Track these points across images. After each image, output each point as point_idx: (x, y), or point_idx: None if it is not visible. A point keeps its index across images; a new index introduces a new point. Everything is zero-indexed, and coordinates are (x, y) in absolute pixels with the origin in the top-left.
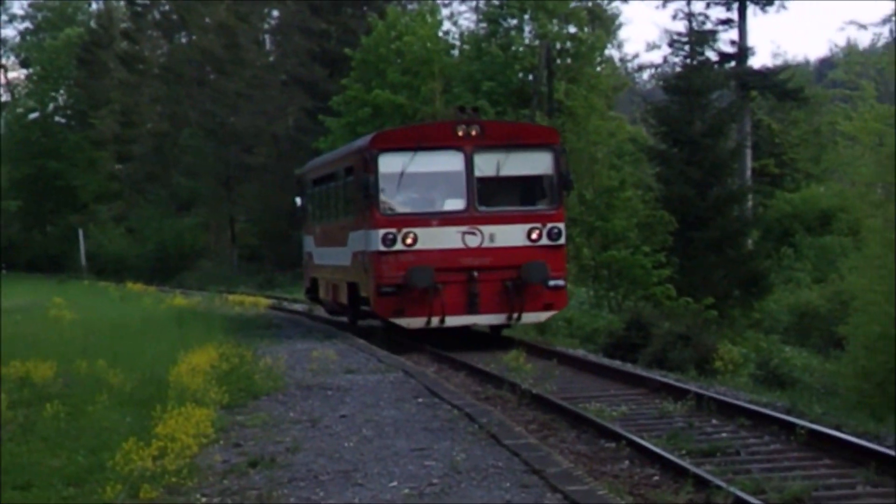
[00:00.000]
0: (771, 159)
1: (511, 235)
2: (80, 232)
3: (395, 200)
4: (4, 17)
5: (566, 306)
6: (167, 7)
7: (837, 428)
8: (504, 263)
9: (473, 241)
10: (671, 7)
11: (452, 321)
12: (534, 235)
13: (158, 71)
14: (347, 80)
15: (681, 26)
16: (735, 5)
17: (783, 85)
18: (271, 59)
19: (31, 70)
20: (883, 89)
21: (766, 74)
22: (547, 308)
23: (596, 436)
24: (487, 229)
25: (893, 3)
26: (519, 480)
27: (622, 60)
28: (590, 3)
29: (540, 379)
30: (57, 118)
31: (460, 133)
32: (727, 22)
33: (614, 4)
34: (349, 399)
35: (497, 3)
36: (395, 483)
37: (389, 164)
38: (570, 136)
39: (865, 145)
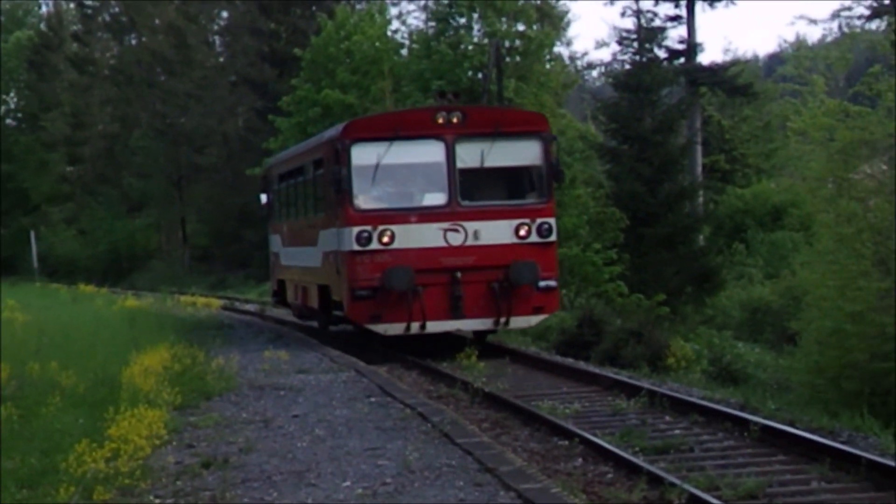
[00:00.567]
0: (721, 155)
1: (497, 232)
2: (32, 234)
3: (370, 195)
4: None
5: (557, 310)
6: (117, 9)
7: (791, 424)
8: (490, 263)
9: (456, 239)
10: (619, 4)
11: (434, 327)
12: (522, 232)
13: (108, 73)
14: (297, 80)
15: (629, 23)
16: (683, 2)
17: (733, 81)
18: (221, 59)
19: None
20: (833, 84)
21: (715, 70)
22: (537, 312)
23: (549, 434)
24: (471, 226)
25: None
26: (472, 479)
27: (571, 58)
28: (538, 1)
29: (492, 377)
30: (8, 121)
31: (440, 121)
32: (676, 18)
33: (563, 2)
34: (302, 399)
35: (446, 1)
36: (348, 483)
37: (363, 155)
38: None
39: (815, 141)
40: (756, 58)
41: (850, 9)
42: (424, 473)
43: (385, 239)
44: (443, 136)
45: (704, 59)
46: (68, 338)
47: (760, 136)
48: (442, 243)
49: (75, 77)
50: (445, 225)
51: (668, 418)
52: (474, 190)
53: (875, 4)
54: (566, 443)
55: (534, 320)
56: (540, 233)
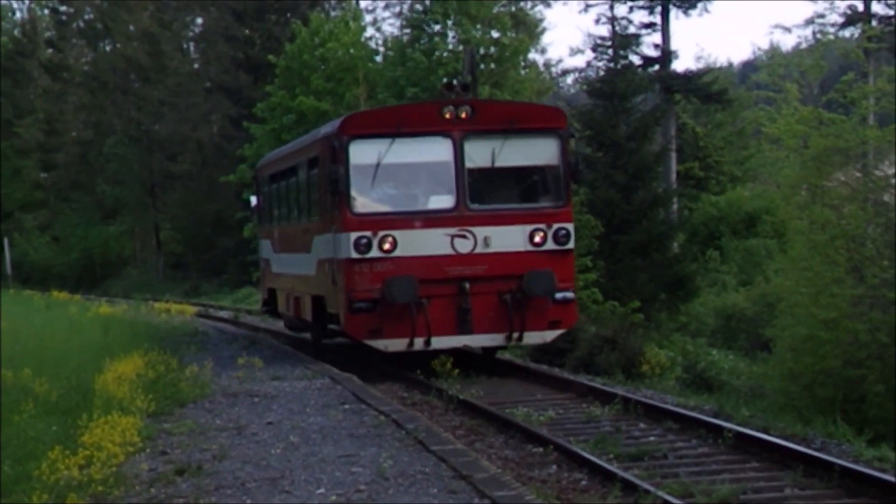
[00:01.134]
0: (696, 162)
1: (509, 239)
2: (6, 241)
3: (370, 197)
4: None
5: (575, 324)
6: (91, 15)
7: (765, 430)
8: (501, 272)
9: (464, 246)
10: (594, 11)
11: (440, 343)
12: (537, 238)
13: (82, 79)
14: (271, 86)
15: (604, 30)
16: (658, 9)
17: (707, 88)
18: (195, 66)
19: None
20: (806, 91)
21: (689, 77)
22: (553, 326)
23: (523, 441)
24: (481, 231)
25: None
26: (446, 486)
27: (546, 65)
28: (513, 8)
29: (467, 384)
30: None
31: (447, 115)
32: (650, 26)
33: (537, 9)
34: (276, 406)
35: (420, 8)
36: (322, 490)
37: (362, 153)
38: None
39: (789, 148)
40: (730, 65)
41: (823, 16)
42: (398, 480)
43: (386, 246)
44: (450, 133)
45: (679, 66)
46: (42, 345)
47: (734, 143)
48: (449, 251)
49: (49, 83)
50: (453, 231)
51: (642, 425)
52: (485, 192)
53: (849, 12)
54: (540, 450)
55: (549, 336)
56: (557, 239)
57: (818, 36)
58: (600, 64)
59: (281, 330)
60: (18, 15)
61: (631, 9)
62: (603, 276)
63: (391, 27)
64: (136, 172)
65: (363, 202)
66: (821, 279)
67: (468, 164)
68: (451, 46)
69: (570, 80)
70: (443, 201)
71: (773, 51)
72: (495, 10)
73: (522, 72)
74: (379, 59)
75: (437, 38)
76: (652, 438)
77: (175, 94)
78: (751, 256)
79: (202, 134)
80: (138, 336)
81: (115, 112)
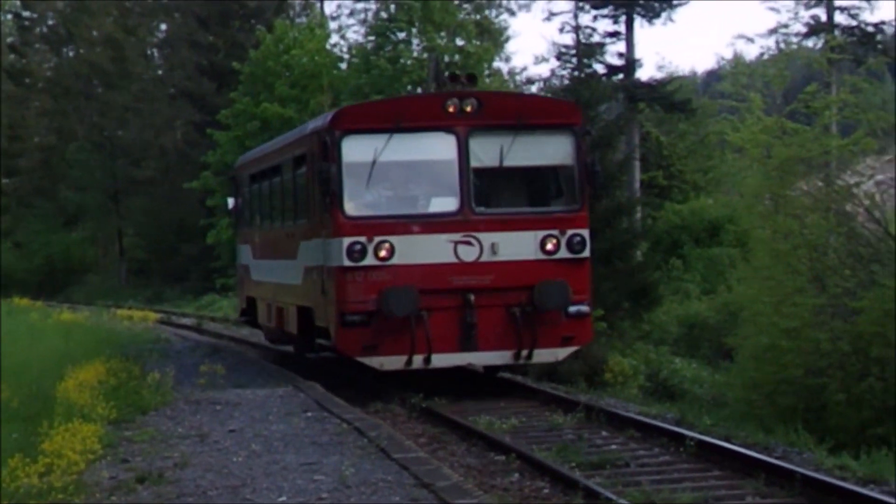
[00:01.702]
0: (659, 171)
1: (519, 246)
2: None
3: (365, 199)
4: None
5: (590, 340)
6: (54, 20)
7: (727, 439)
8: (510, 283)
9: (469, 254)
10: (558, 20)
11: (441, 361)
12: (549, 246)
13: (45, 84)
14: (235, 93)
15: (568, 39)
16: (622, 18)
17: (671, 97)
18: (159, 72)
19: None
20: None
21: (653, 86)
22: (566, 343)
23: (486, 449)
24: (487, 238)
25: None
26: (409, 494)
27: (511, 73)
28: (477, 16)
29: (429, 392)
30: None
31: (451, 109)
32: (614, 34)
33: (502, 17)
34: (238, 413)
35: (385, 16)
36: (283, 498)
37: (357, 150)
38: None
39: (753, 157)
40: (694, 74)
41: (787, 26)
42: (361, 488)
43: (382, 253)
44: (454, 128)
45: (643, 75)
46: (2, 351)
47: (698, 152)
48: (452, 259)
49: (11, 89)
50: (456, 236)
51: (604, 433)
52: (492, 194)
53: (812, 22)
54: (503, 458)
55: (562, 353)
56: (571, 247)
57: (782, 46)
58: (564, 72)
59: (245, 337)
60: None
61: (595, 18)
62: None
63: (356, 34)
64: (98, 178)
65: (357, 204)
66: (783, 288)
67: (474, 163)
68: (415, 54)
69: (534, 88)
70: (445, 204)
71: (737, 60)
72: (460, 17)
73: (487, 80)
74: (343, 66)
75: (401, 46)
76: (614, 447)
77: (139, 100)
78: (714, 265)
79: (166, 140)
80: (100, 343)
81: (78, 118)
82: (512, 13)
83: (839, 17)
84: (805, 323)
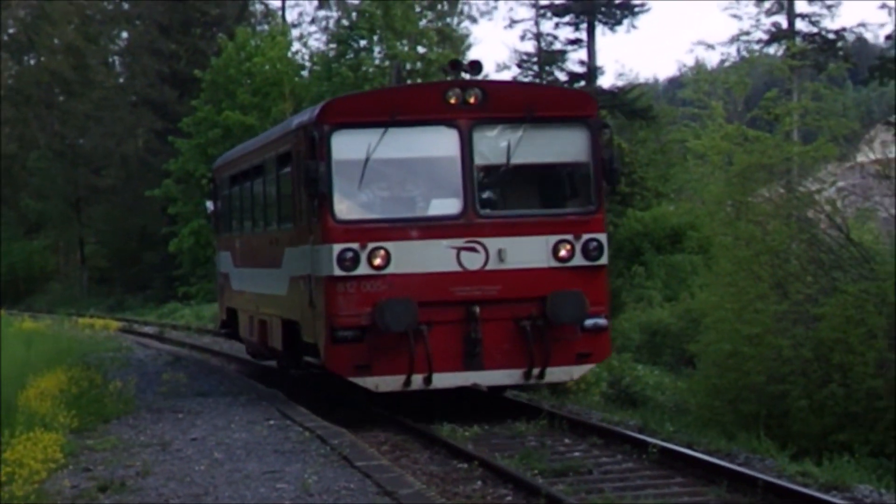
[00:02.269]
0: (621, 178)
1: (529, 252)
2: None
3: (357, 201)
4: None
5: (609, 357)
6: (15, 28)
7: (689, 446)
8: (519, 294)
9: (474, 262)
10: (519, 27)
11: (443, 380)
12: (563, 252)
13: (6, 92)
14: (197, 101)
15: (530, 46)
16: (584, 25)
17: (632, 104)
18: (121, 80)
19: None
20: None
21: (615, 94)
22: (582, 360)
23: (448, 456)
24: (494, 243)
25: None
26: (371, 502)
27: None
28: (439, 24)
29: (391, 399)
30: None
31: (453, 100)
32: (576, 42)
33: (463, 25)
34: (200, 422)
35: (346, 24)
36: None
37: (347, 146)
38: None
39: (714, 164)
40: (656, 81)
41: (748, 33)
42: (323, 496)
43: (377, 261)
44: (456, 122)
45: (604, 82)
46: None
47: (659, 159)
48: (454, 267)
49: None
50: (459, 242)
51: (567, 440)
52: (498, 195)
53: (773, 29)
54: (466, 465)
55: (577, 372)
56: (586, 253)
57: (743, 53)
58: (526, 80)
59: (206, 345)
60: None
61: (557, 25)
62: None
63: (317, 42)
64: (60, 186)
65: (348, 207)
66: (745, 295)
67: (478, 161)
68: (377, 62)
69: None
70: (447, 206)
71: (699, 68)
72: (421, 25)
73: None
74: (305, 74)
75: (363, 54)
76: (577, 453)
77: (100, 108)
78: (676, 272)
79: (127, 148)
80: (62, 352)
81: (39, 126)
82: (473, 20)
83: (800, 24)
84: (767, 329)
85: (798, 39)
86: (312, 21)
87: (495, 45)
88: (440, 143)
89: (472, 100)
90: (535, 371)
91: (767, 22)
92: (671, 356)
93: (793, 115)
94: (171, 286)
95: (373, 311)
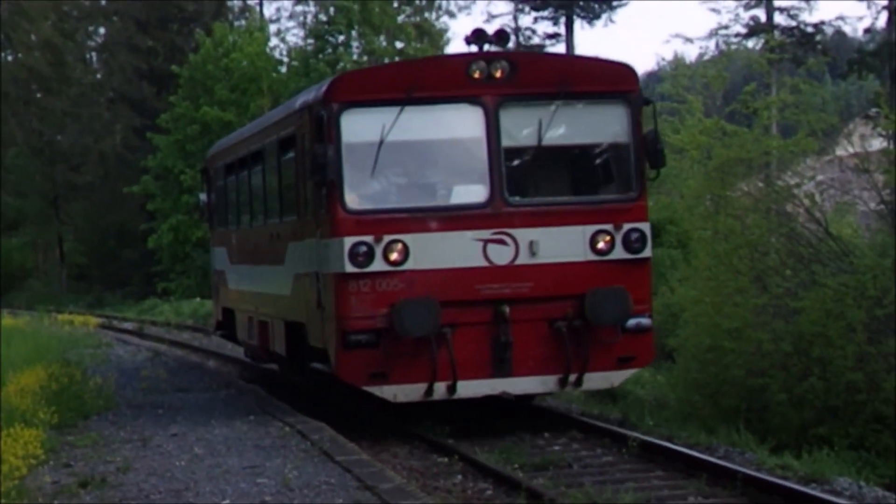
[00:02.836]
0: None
1: (564, 245)
2: None
3: (370, 189)
4: None
5: (652, 361)
6: None
7: (669, 440)
8: (553, 292)
9: (502, 256)
10: (498, 22)
11: (469, 389)
12: (601, 244)
13: None
14: (175, 97)
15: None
16: (562, 20)
17: None
18: (98, 76)
19: None
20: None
21: None
22: (623, 364)
23: (429, 451)
24: (525, 234)
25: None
26: (352, 497)
27: None
28: (417, 19)
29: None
30: None
31: (477, 74)
32: (555, 36)
33: (442, 19)
34: (180, 417)
35: (324, 19)
36: (227, 501)
37: (359, 127)
38: None
39: (693, 158)
40: None
41: (727, 27)
42: (304, 491)
43: (394, 256)
44: (481, 99)
45: None
46: None
47: None
48: (481, 262)
49: None
50: (486, 234)
51: (547, 434)
52: (529, 180)
53: (752, 23)
54: (446, 460)
55: (618, 378)
56: (628, 245)
57: (722, 47)
58: None
59: (186, 341)
60: None
61: (535, 19)
62: None
63: (295, 37)
64: (37, 184)
65: (361, 196)
66: (724, 289)
67: (505, 142)
68: (355, 57)
69: None
70: (471, 193)
71: (677, 62)
72: (399, 20)
73: None
74: (283, 69)
75: (341, 49)
76: (557, 447)
77: (78, 105)
78: (655, 266)
79: (105, 145)
80: (41, 348)
81: (17, 123)
82: (452, 15)
83: (779, 18)
84: (747, 323)
85: (776, 33)
86: (290, 16)
87: None
88: (463, 122)
89: (498, 74)
90: (572, 378)
91: (746, 16)
92: None
93: (771, 109)
94: (150, 282)
95: (389, 313)
